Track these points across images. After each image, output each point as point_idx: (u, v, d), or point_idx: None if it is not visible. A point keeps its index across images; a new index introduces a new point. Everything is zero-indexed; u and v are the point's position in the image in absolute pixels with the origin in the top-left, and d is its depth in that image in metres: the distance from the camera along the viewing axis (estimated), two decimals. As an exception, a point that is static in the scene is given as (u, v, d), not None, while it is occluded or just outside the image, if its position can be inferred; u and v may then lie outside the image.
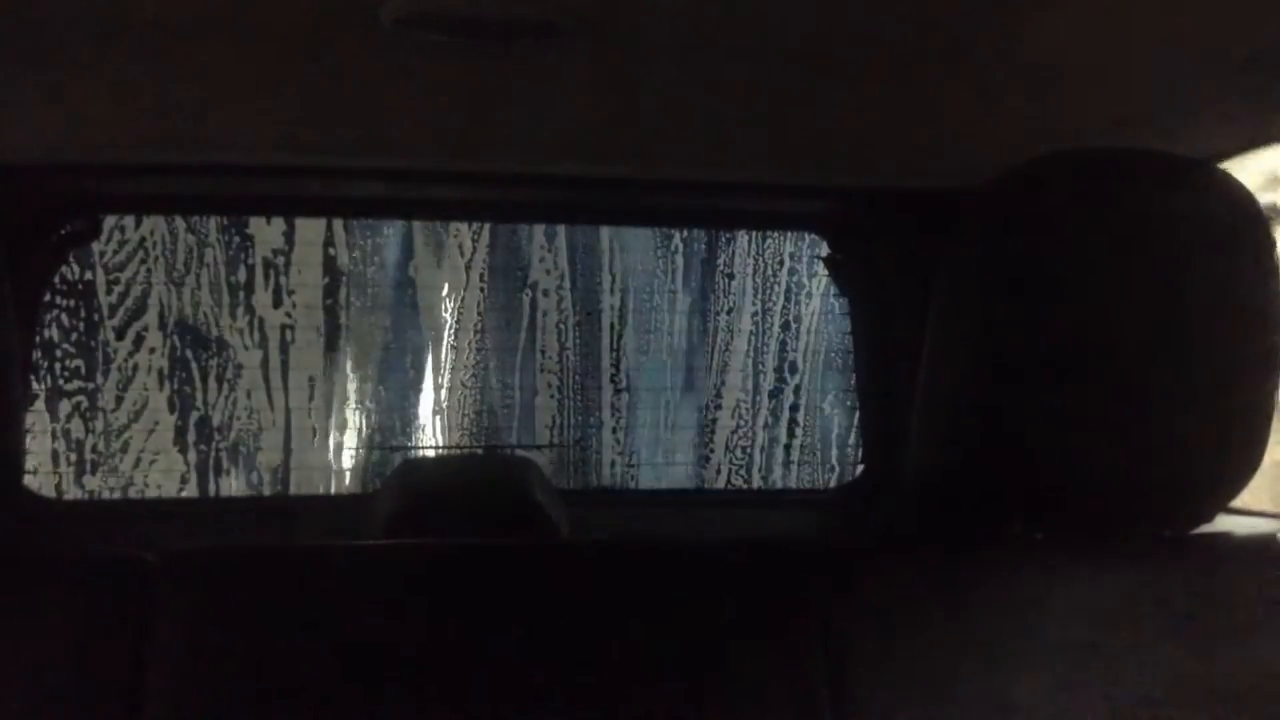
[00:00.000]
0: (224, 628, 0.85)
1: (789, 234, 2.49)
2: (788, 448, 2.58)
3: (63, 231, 1.54)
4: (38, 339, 1.75)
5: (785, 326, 2.56)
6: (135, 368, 2.30)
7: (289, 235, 2.34)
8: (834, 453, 2.58)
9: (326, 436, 2.39)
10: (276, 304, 2.35)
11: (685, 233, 2.49)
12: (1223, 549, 0.95)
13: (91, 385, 2.27)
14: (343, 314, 2.39)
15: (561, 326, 2.47)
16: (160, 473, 2.32)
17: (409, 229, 2.40)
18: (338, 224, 2.35)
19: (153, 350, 2.31)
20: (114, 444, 2.29)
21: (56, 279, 1.86)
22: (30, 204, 1.48)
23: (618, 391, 2.50)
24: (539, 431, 2.46)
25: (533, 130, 1.26)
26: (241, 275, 2.34)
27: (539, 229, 2.43)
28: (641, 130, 1.27)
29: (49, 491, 2.18)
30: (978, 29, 0.93)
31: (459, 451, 2.47)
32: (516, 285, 2.46)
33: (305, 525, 1.70)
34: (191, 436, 2.33)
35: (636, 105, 1.16)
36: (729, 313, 2.54)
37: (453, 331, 2.44)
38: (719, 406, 2.55)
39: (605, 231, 2.47)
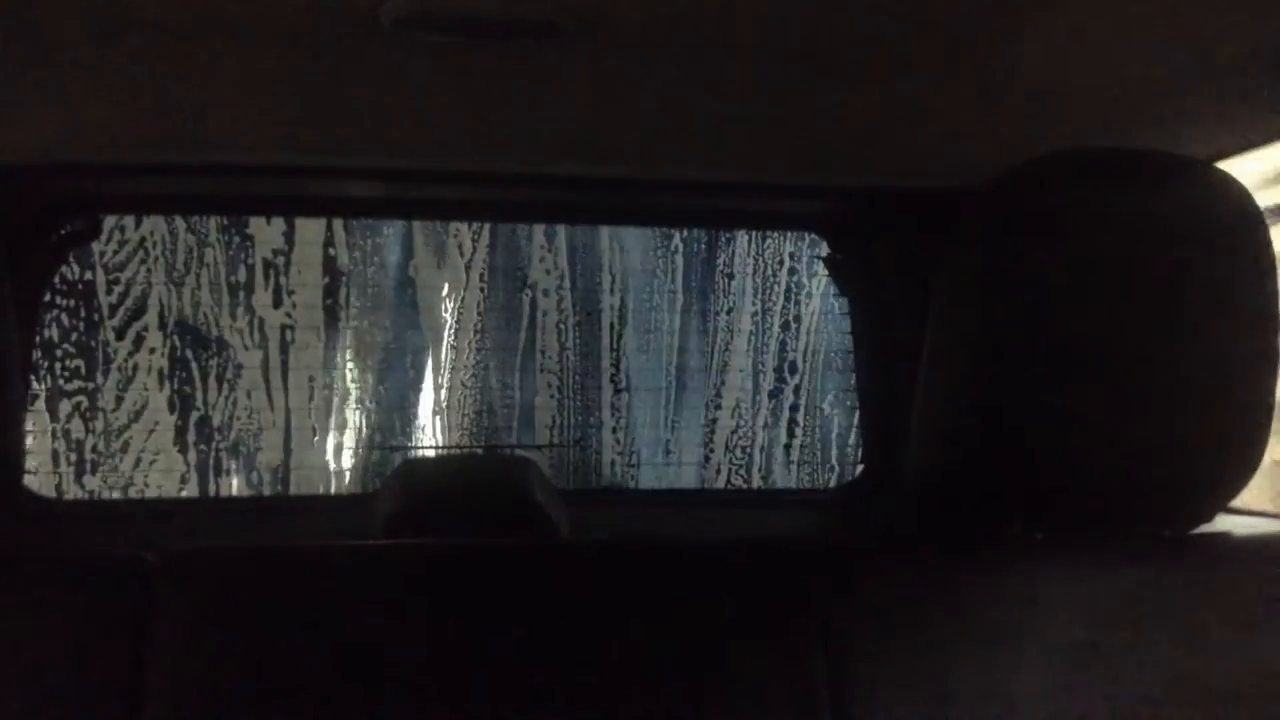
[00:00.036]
0: (224, 628, 0.85)
1: (789, 234, 2.48)
2: (788, 448, 2.58)
3: (63, 231, 1.54)
4: (38, 339, 1.75)
5: (785, 326, 2.56)
6: (135, 368, 2.30)
7: (289, 235, 2.34)
8: (834, 453, 2.58)
9: (326, 436, 2.39)
10: (276, 304, 2.35)
11: (685, 233, 2.49)
12: (1223, 549, 0.95)
13: (91, 385, 2.27)
14: (343, 314, 2.39)
15: (561, 326, 2.47)
16: (160, 473, 2.32)
17: (409, 229, 2.40)
18: (338, 224, 2.35)
19: (153, 350, 2.31)
20: (114, 444, 2.29)
21: (56, 279, 1.86)
22: (30, 204, 1.48)
23: (618, 391, 2.50)
24: (539, 431, 2.45)
25: (533, 130, 1.26)
26: (241, 275, 2.33)
27: (539, 229, 2.42)
28: (641, 130, 1.27)
29: (49, 491, 2.17)
30: (978, 29, 0.93)
31: (459, 451, 2.47)
32: (516, 285, 2.46)
33: (305, 525, 1.70)
34: (191, 436, 2.33)
35: (636, 105, 1.16)
36: (729, 313, 2.54)
37: (453, 331, 2.44)
38: (719, 406, 2.54)
39: (605, 231, 2.47)
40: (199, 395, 2.33)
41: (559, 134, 1.28)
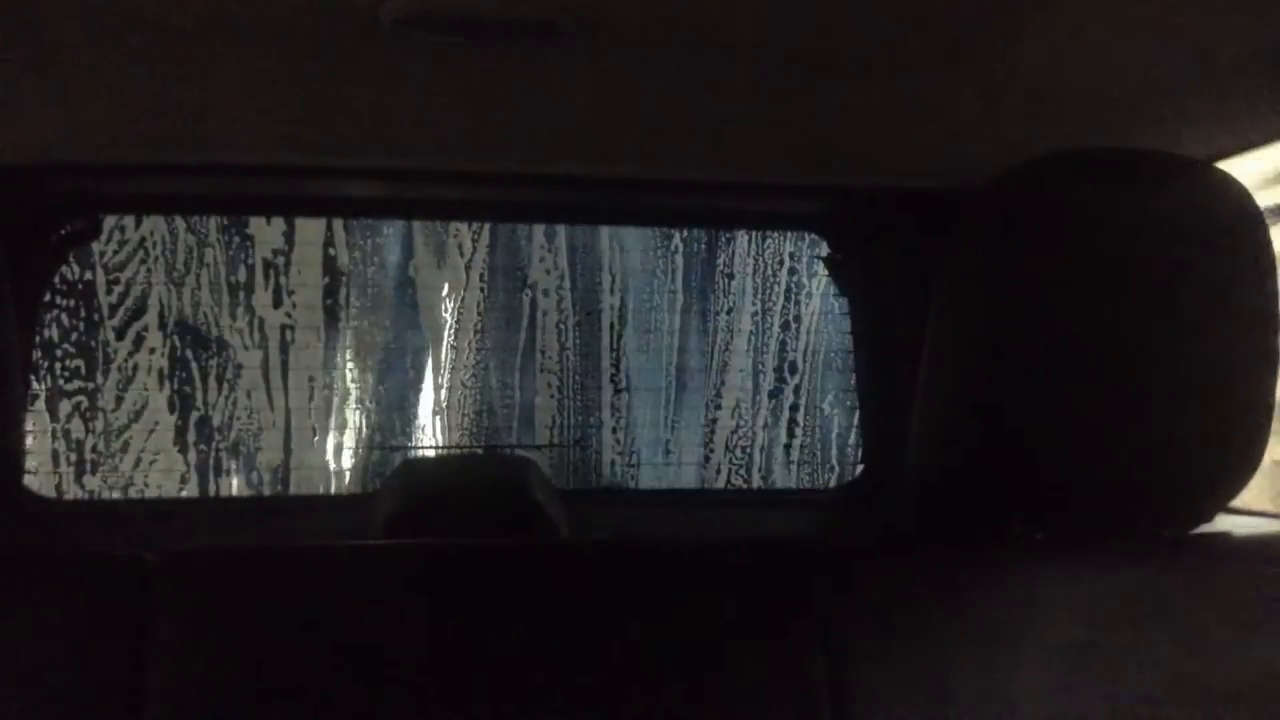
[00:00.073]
0: (224, 628, 0.85)
1: (789, 234, 2.48)
2: (788, 448, 2.58)
3: (63, 231, 1.54)
4: (38, 339, 1.75)
5: (785, 326, 2.56)
6: (135, 368, 2.30)
7: (289, 235, 2.34)
8: (834, 453, 2.58)
9: (326, 436, 2.39)
10: (276, 304, 2.35)
11: (685, 233, 2.49)
12: (1223, 549, 0.95)
13: (91, 385, 2.27)
14: (343, 314, 2.39)
15: (561, 326, 2.47)
16: (160, 473, 2.32)
17: (409, 229, 2.40)
18: (338, 224, 2.35)
19: (153, 350, 2.31)
20: (114, 444, 2.29)
21: (56, 279, 1.86)
22: (30, 204, 1.48)
23: (618, 391, 2.50)
24: (539, 431, 2.45)
25: (533, 130, 1.26)
26: (241, 275, 2.33)
27: (539, 229, 2.42)
28: (641, 130, 1.27)
29: (49, 491, 2.17)
30: (978, 29, 0.93)
31: (459, 451, 2.47)
32: (516, 285, 2.46)
33: (305, 525, 1.70)
34: (191, 436, 2.33)
35: (636, 105, 1.16)
36: (729, 313, 2.54)
37: (453, 331, 2.44)
38: (719, 406, 2.54)
39: (605, 231, 2.47)
40: (199, 395, 2.33)
41: (559, 134, 1.28)
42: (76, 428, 2.26)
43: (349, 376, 2.40)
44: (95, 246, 2.21)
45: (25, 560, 0.89)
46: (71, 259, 2.03)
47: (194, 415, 2.33)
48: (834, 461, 2.58)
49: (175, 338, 2.32)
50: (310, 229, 2.34)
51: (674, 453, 2.52)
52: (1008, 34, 0.93)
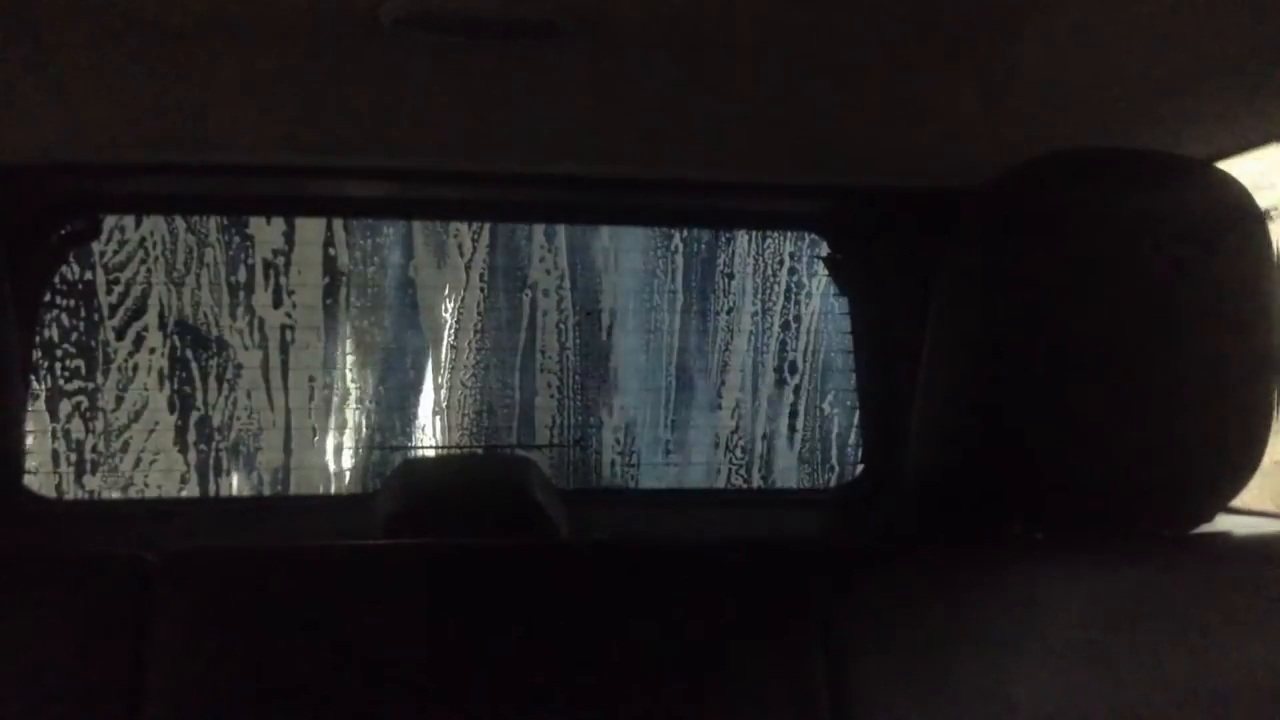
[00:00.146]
0: (224, 628, 0.85)
1: (789, 234, 2.48)
2: (788, 447, 2.58)
3: (63, 231, 1.54)
4: (38, 339, 1.75)
5: (785, 326, 2.56)
6: (135, 368, 2.30)
7: (289, 235, 2.34)
8: (834, 453, 2.58)
9: (326, 436, 2.39)
10: (276, 304, 2.35)
11: (685, 233, 2.49)
12: (1223, 549, 0.95)
13: (91, 385, 2.27)
14: (343, 314, 2.39)
15: (561, 326, 2.47)
16: (160, 473, 2.32)
17: (409, 229, 2.40)
18: (338, 224, 2.35)
19: (153, 350, 2.31)
20: (114, 444, 2.29)
21: (56, 279, 1.86)
22: (30, 204, 1.48)
23: (618, 391, 2.50)
24: (539, 431, 2.45)
25: (533, 130, 1.26)
26: (241, 275, 2.33)
27: (539, 229, 2.42)
28: (641, 130, 1.27)
29: (49, 491, 2.17)
30: (978, 29, 0.93)
31: (459, 451, 2.47)
32: (516, 285, 2.46)
33: (305, 525, 1.70)
34: (191, 436, 2.33)
35: (636, 105, 1.16)
36: (729, 313, 2.54)
37: (453, 331, 2.44)
38: (719, 406, 2.54)
39: (605, 231, 2.47)
40: (199, 395, 2.33)
41: (559, 134, 1.28)
42: (76, 428, 2.26)
43: (349, 376, 2.40)
44: (95, 246, 2.21)
45: (25, 560, 0.89)
46: (71, 259, 2.03)
47: (194, 415, 2.33)
48: (834, 461, 2.58)
49: (175, 338, 2.32)
50: (310, 229, 2.34)
51: (674, 453, 2.52)
52: (1008, 34, 0.93)
